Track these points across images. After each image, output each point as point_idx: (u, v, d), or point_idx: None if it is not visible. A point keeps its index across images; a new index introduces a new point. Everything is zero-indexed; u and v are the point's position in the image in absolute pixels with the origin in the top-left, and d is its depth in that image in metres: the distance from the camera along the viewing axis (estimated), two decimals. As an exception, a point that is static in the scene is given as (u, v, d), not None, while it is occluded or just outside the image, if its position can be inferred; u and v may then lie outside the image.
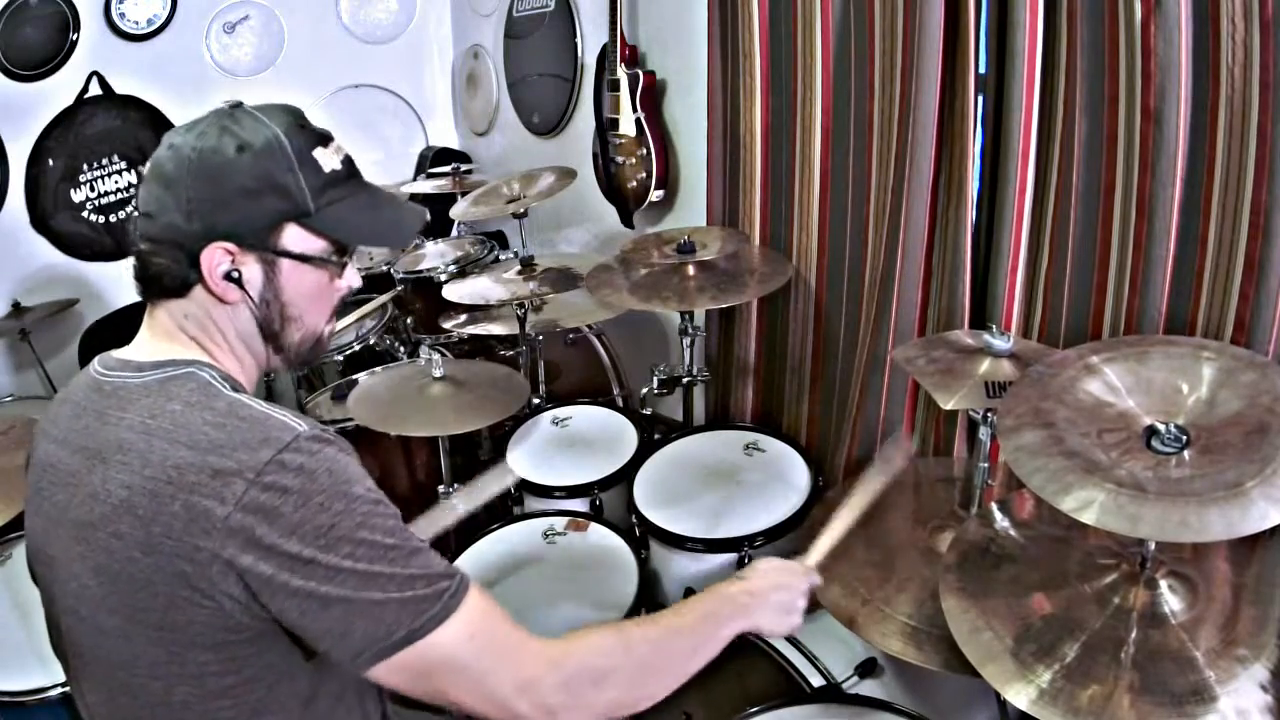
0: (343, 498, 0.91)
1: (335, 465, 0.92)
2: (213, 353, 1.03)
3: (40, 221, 3.21)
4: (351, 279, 1.10)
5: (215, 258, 0.97)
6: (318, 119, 1.04)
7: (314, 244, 1.02)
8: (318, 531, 0.88)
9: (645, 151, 2.70)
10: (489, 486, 1.64)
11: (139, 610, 0.92)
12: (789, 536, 1.78)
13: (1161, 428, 1.09)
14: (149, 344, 1.03)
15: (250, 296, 1.01)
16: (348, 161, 1.05)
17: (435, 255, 3.01)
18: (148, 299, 1.04)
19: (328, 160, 1.02)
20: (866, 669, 1.56)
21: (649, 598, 1.75)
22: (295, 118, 1.02)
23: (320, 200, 1.00)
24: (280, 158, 0.98)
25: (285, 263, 1.01)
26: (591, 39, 3.03)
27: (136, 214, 1.00)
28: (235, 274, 0.99)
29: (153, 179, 0.98)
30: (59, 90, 3.16)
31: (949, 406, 1.37)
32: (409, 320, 2.96)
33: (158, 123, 3.27)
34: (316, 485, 0.90)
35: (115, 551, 0.92)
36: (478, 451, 2.43)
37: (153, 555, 0.90)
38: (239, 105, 1.02)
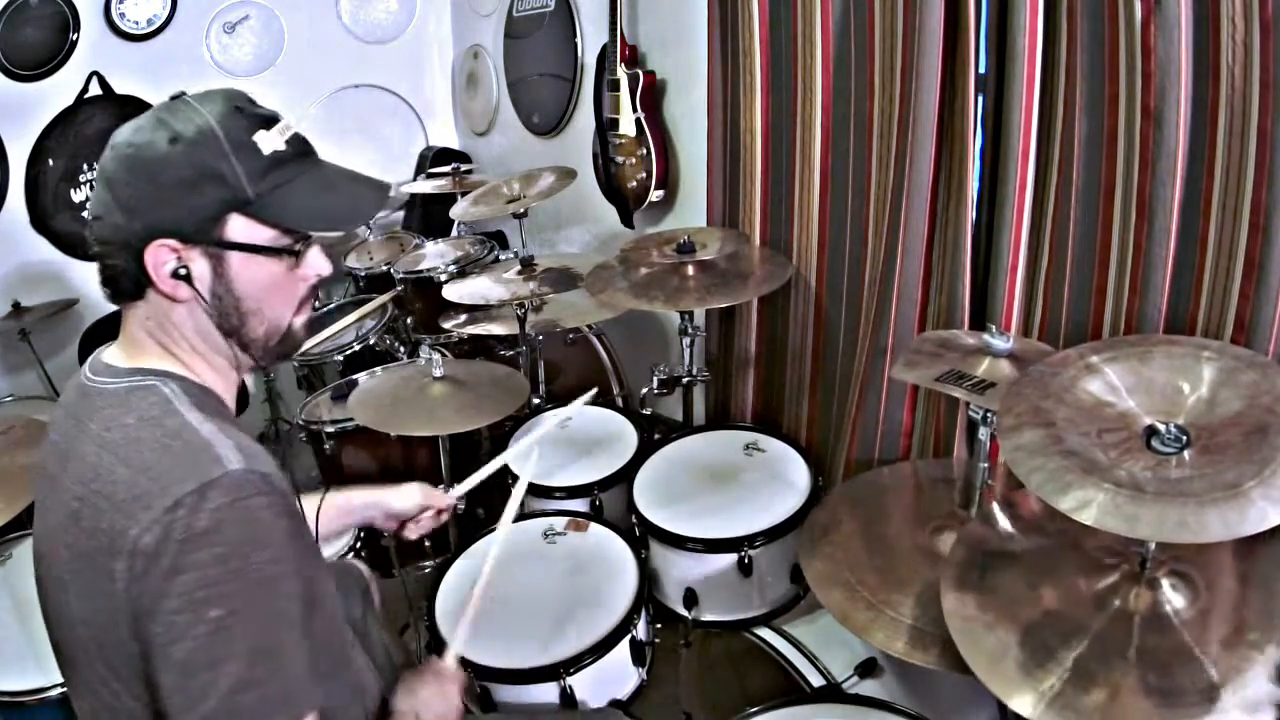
0: (243, 558, 0.87)
1: (252, 520, 0.88)
2: (181, 357, 1.01)
3: (40, 221, 3.21)
4: (318, 266, 1.04)
5: (160, 256, 0.94)
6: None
7: (261, 233, 0.97)
8: (201, 582, 0.85)
9: (645, 151, 2.69)
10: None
11: (81, 626, 0.93)
12: (789, 536, 1.78)
13: (1162, 428, 1.09)
14: (123, 350, 1.02)
15: (200, 294, 0.96)
16: (296, 141, 0.99)
17: (435, 255, 3.01)
18: (114, 303, 1.02)
19: (269, 142, 0.96)
20: (866, 669, 1.55)
21: (649, 598, 1.75)
22: (233, 101, 0.97)
23: (261, 185, 0.95)
24: (214, 145, 0.93)
25: (233, 255, 0.96)
26: (591, 39, 3.03)
27: (89, 218, 0.98)
28: (183, 271, 0.95)
29: (98, 181, 0.96)
30: (59, 90, 3.16)
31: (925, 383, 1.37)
32: (409, 320, 2.96)
33: (158, 123, 3.27)
34: (224, 536, 0.86)
35: (68, 562, 0.92)
36: (478, 451, 2.43)
37: (91, 571, 0.89)
38: (179, 96, 0.98)
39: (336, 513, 1.45)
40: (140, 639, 0.88)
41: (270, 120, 0.98)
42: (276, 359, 1.08)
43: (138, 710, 0.93)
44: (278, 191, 0.96)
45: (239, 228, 0.96)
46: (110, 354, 1.03)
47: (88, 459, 0.93)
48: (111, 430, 0.93)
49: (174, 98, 0.98)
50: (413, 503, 1.51)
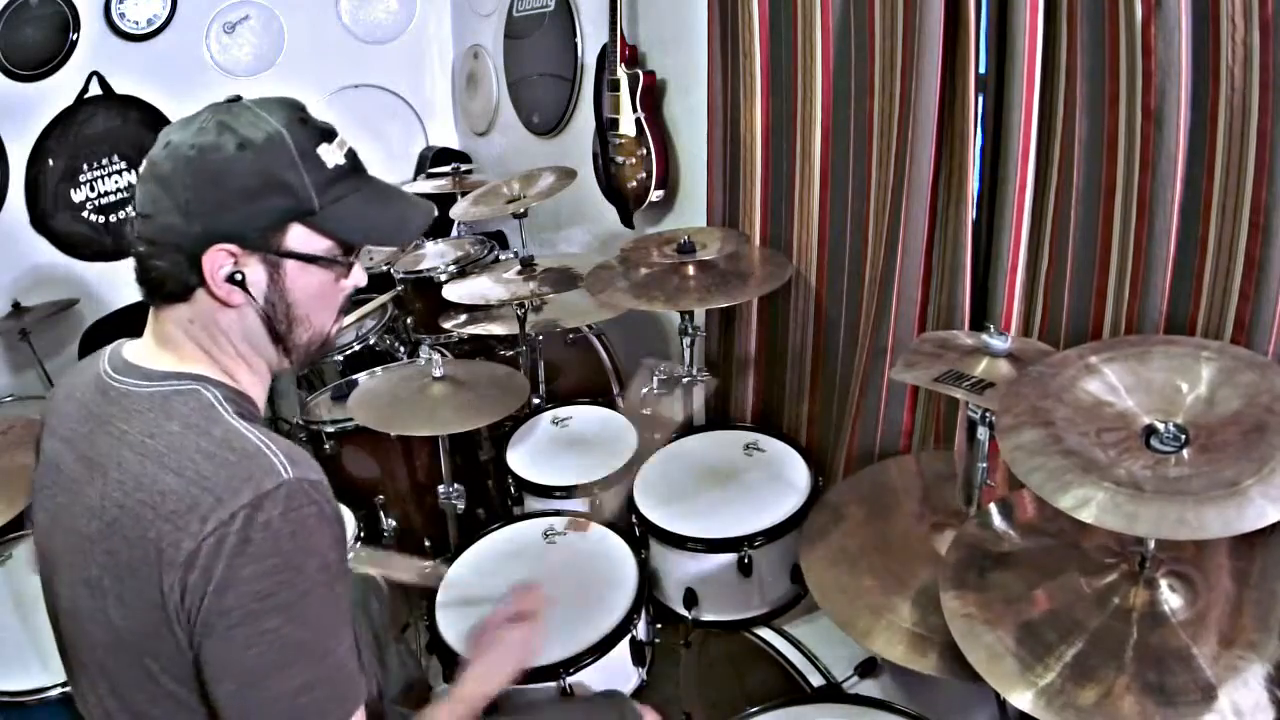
0: (296, 569, 0.89)
1: (304, 529, 0.90)
2: (221, 361, 1.00)
3: (40, 221, 3.21)
4: (357, 278, 1.06)
5: (217, 260, 0.93)
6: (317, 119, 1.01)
7: (319, 243, 0.98)
8: (257, 595, 0.87)
9: (645, 151, 2.70)
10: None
11: (122, 630, 0.92)
12: (789, 536, 1.78)
13: (1160, 427, 1.09)
14: (156, 351, 1.01)
15: (255, 299, 0.97)
16: (351, 156, 1.01)
17: (435, 255, 3.01)
18: (151, 303, 1.01)
19: (331, 156, 0.97)
20: (866, 669, 1.56)
21: (649, 598, 1.75)
22: (296, 112, 0.98)
23: (325, 198, 0.96)
24: (283, 154, 0.93)
25: (290, 263, 0.97)
26: (591, 39, 3.03)
27: (134, 215, 0.97)
28: (239, 276, 0.95)
29: (149, 178, 0.94)
30: (59, 90, 3.16)
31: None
32: (409, 320, 2.96)
33: (158, 123, 3.27)
34: (278, 547, 0.87)
35: (106, 568, 0.92)
36: (478, 451, 2.43)
37: (135, 579, 0.89)
38: (238, 100, 0.98)
39: None
40: (197, 649, 0.89)
41: (329, 133, 0.99)
42: (311, 364, 1.10)
43: (159, 702, 0.94)
44: (337, 204, 0.97)
45: (299, 237, 0.97)
46: (137, 353, 1.02)
47: (130, 467, 0.92)
48: (155, 437, 0.92)
49: (231, 101, 0.97)
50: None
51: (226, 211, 0.93)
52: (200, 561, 0.86)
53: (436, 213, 1.14)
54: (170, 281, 0.96)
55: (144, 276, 0.98)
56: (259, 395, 1.05)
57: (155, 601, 0.88)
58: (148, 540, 0.88)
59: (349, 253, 1.02)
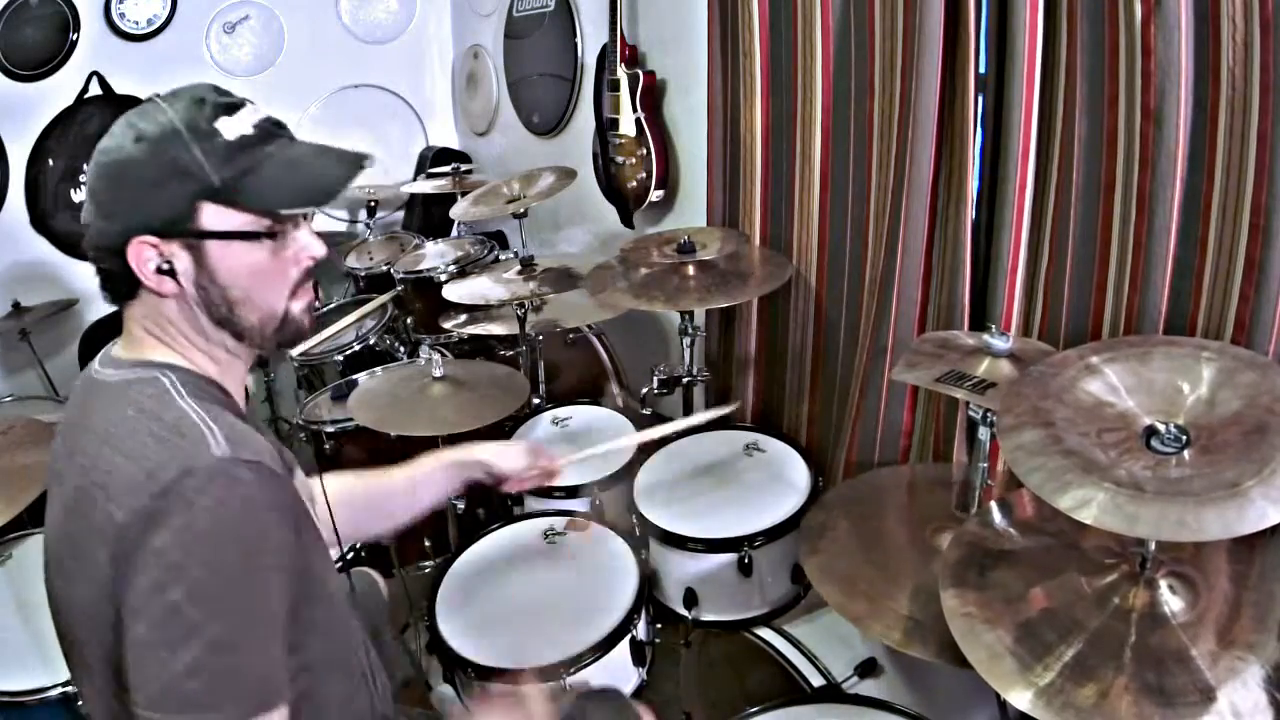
0: (214, 548, 0.87)
1: (228, 511, 0.88)
2: (180, 350, 1.02)
3: (40, 221, 3.21)
4: (309, 248, 1.03)
5: (141, 254, 0.95)
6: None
7: (234, 218, 0.96)
8: (166, 565, 0.85)
9: (645, 151, 2.70)
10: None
11: (95, 618, 0.92)
12: (789, 536, 1.79)
13: (1161, 427, 1.09)
14: (127, 347, 1.04)
15: (185, 286, 0.97)
16: (265, 124, 0.99)
17: (435, 255, 3.01)
18: (113, 305, 1.04)
19: (234, 128, 0.95)
20: (866, 669, 1.56)
21: (649, 598, 1.76)
22: (199, 93, 0.97)
23: (226, 171, 0.94)
24: (177, 138, 0.93)
25: (211, 244, 0.96)
26: (591, 39, 3.04)
27: (83, 226, 1.00)
28: (166, 266, 0.96)
29: (86, 190, 0.99)
30: (59, 90, 3.17)
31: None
32: (409, 320, 2.96)
33: (158, 123, 3.28)
34: (194, 523, 0.86)
35: (69, 553, 0.93)
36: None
37: (90, 563, 0.90)
38: (151, 99, 0.99)
39: (443, 476, 1.52)
40: (116, 622, 0.88)
41: (234, 106, 0.97)
42: (279, 346, 1.07)
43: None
44: (245, 176, 0.96)
45: (212, 216, 0.96)
46: (117, 349, 1.05)
47: (89, 451, 0.93)
48: (116, 424, 0.94)
49: (147, 101, 0.99)
50: (520, 465, 1.53)
51: (137, 205, 0.95)
52: (123, 534, 0.86)
53: (375, 162, 1.07)
54: (115, 282, 1.00)
55: (101, 284, 1.02)
56: (230, 381, 1.05)
57: (98, 580, 0.88)
58: (95, 519, 0.89)
59: (278, 222, 0.99)
